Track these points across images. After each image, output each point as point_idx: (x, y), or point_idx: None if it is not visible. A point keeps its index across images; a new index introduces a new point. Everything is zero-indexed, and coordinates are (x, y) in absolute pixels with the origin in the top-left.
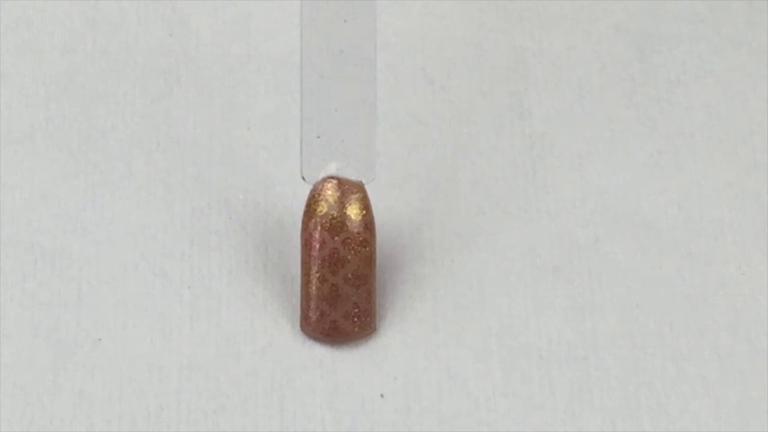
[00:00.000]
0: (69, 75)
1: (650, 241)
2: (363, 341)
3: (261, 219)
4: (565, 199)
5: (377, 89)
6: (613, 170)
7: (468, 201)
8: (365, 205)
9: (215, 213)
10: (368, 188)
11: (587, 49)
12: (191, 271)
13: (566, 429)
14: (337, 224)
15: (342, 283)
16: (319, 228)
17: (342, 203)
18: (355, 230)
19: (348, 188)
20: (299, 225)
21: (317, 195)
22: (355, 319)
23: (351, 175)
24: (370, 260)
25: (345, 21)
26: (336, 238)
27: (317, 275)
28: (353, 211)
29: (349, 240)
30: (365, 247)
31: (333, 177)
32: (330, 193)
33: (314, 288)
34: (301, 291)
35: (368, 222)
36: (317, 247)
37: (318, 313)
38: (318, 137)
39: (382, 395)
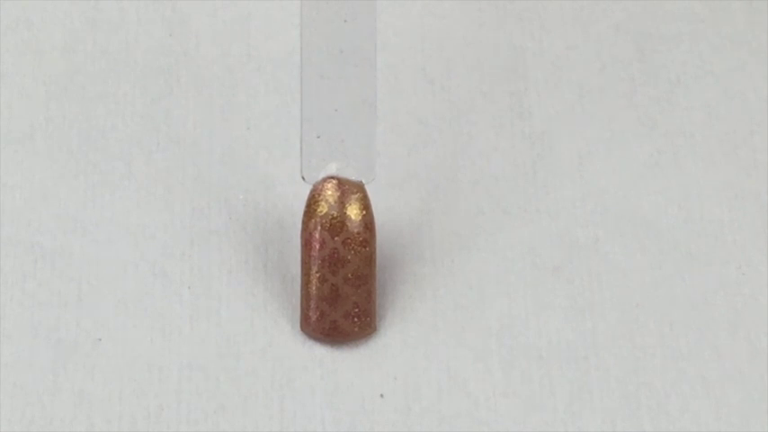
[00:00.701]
0: (69, 75)
1: (650, 241)
2: (363, 341)
3: (261, 219)
4: (565, 199)
5: (377, 89)
6: (613, 170)
7: (468, 201)
8: (365, 205)
9: (215, 213)
10: (368, 188)
11: (587, 49)
12: (191, 271)
13: (566, 429)
14: (337, 224)
15: (342, 283)
16: (319, 228)
17: (342, 203)
18: (355, 230)
19: (348, 188)
20: (299, 225)
21: (316, 195)
22: (355, 319)
23: (351, 175)
24: (370, 260)
25: (345, 21)
26: (336, 238)
27: (317, 275)
28: (353, 211)
29: (349, 240)
30: (365, 247)
31: (333, 177)
32: (330, 193)
33: (314, 288)
34: (301, 291)
35: (368, 222)
36: (317, 247)
37: (318, 313)
38: (318, 137)
39: (382, 395)
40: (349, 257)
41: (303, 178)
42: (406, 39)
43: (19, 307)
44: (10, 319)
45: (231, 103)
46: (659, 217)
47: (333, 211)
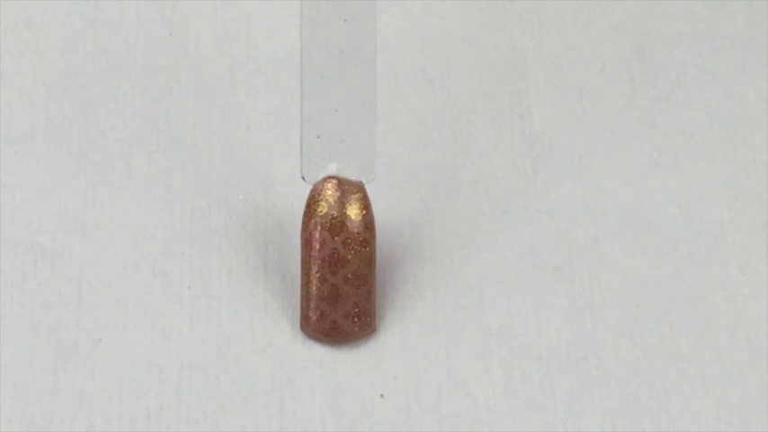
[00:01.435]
0: (69, 75)
1: (650, 241)
2: (363, 341)
3: (261, 219)
4: (565, 199)
5: (377, 89)
6: (613, 170)
7: (468, 201)
8: (365, 205)
9: (215, 213)
10: (368, 188)
11: (587, 49)
12: (191, 271)
13: (566, 429)
14: (337, 224)
15: (342, 283)
16: (319, 228)
17: (342, 203)
18: (355, 230)
19: (348, 188)
20: (299, 225)
21: (317, 195)
22: (355, 319)
23: (351, 175)
24: (370, 260)
25: (345, 21)
26: (336, 238)
27: (317, 275)
28: (353, 211)
29: (349, 240)
30: (365, 247)
31: (333, 177)
32: (330, 193)
33: (314, 288)
34: (301, 291)
35: (368, 222)
36: (317, 247)
37: (318, 313)
38: (318, 137)
39: (382, 395)
40: (349, 257)
41: (303, 178)
42: (406, 39)
43: (19, 307)
44: (10, 319)
45: (231, 103)
46: (659, 217)
47: (333, 211)
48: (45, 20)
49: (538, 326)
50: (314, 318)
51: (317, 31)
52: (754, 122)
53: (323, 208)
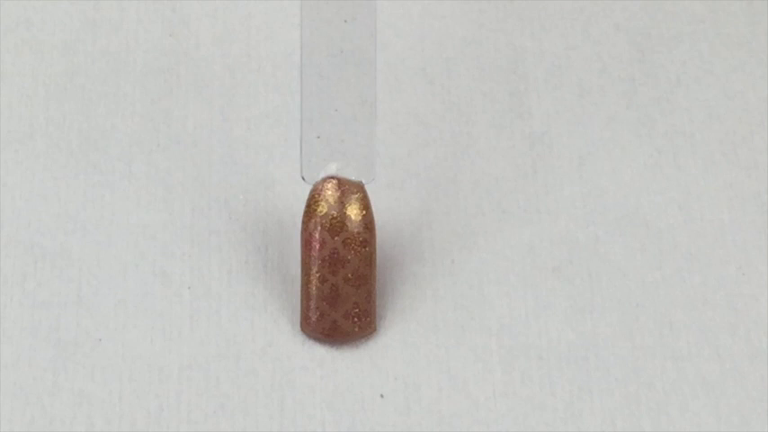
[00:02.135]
0: (69, 75)
1: (650, 241)
2: (363, 341)
3: (261, 219)
4: (565, 199)
5: (377, 89)
6: (613, 170)
7: (468, 201)
8: (365, 205)
9: (215, 213)
10: (368, 188)
11: (587, 49)
12: (191, 271)
13: (566, 429)
14: (337, 224)
15: (342, 283)
16: (319, 228)
17: (342, 203)
18: (355, 230)
19: (348, 188)
20: (299, 225)
21: (317, 195)
22: (355, 319)
23: (351, 175)
24: (370, 260)
25: (345, 21)
26: (336, 238)
27: (317, 275)
28: (353, 211)
29: (349, 240)
30: (365, 247)
31: (333, 177)
32: (330, 193)
33: (314, 288)
34: (301, 291)
35: (368, 222)
36: (317, 247)
37: (318, 313)
38: (318, 137)
39: (382, 395)
40: (349, 257)
41: (303, 178)
42: (406, 39)
43: (19, 307)
44: (10, 319)
45: (231, 103)
46: (659, 217)
47: (333, 211)
48: (45, 20)
49: (538, 326)
50: (314, 318)
51: (317, 31)
52: (754, 122)
53: (323, 208)
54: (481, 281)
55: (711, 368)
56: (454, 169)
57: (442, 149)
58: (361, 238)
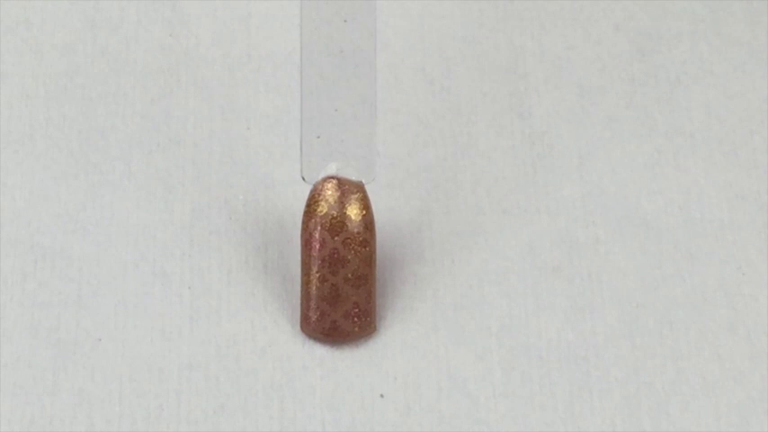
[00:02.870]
0: (69, 75)
1: (650, 241)
2: (363, 341)
3: (261, 219)
4: (565, 199)
5: (377, 89)
6: (613, 170)
7: (468, 201)
8: (365, 205)
9: (215, 213)
10: (368, 188)
11: (587, 49)
12: (191, 271)
13: (566, 429)
14: (337, 224)
15: (342, 283)
16: (319, 228)
17: (342, 203)
18: (355, 230)
19: (348, 188)
20: (299, 225)
21: (317, 195)
22: (355, 319)
23: (351, 175)
24: (370, 260)
25: (345, 21)
26: (336, 238)
27: (317, 275)
28: (353, 211)
29: (349, 240)
30: (365, 247)
31: (333, 177)
32: (330, 193)
33: (314, 288)
34: (301, 291)
35: (368, 222)
36: (317, 247)
37: (318, 313)
38: (318, 137)
39: (382, 395)
40: (349, 257)
41: (303, 178)
42: (406, 39)
43: (19, 307)
44: (10, 319)
45: (231, 103)
46: (659, 217)
47: (333, 211)
48: (45, 20)
49: (538, 326)
50: (314, 318)
51: (317, 31)
52: (754, 122)
53: (323, 208)
54: (481, 281)
55: (711, 368)
56: (454, 169)
57: (442, 149)
58: (361, 238)
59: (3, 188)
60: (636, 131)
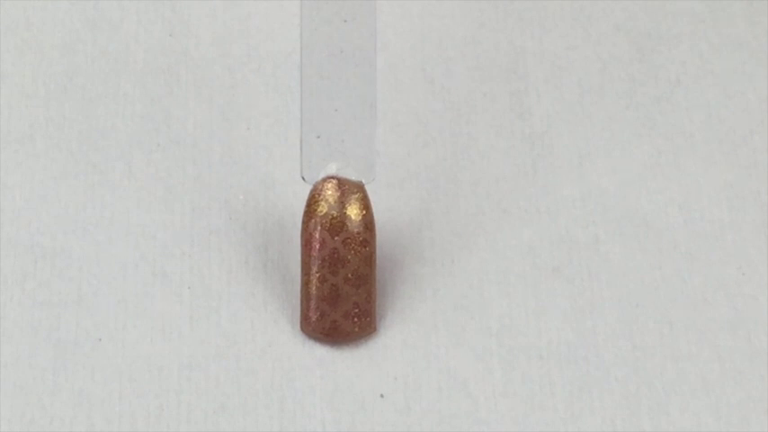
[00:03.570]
0: (69, 75)
1: (650, 241)
2: (363, 341)
3: (261, 219)
4: (565, 199)
5: (377, 89)
6: (613, 170)
7: (468, 201)
8: (365, 205)
9: (215, 213)
10: (368, 188)
11: (587, 49)
12: (191, 271)
13: (566, 429)
14: (337, 224)
15: (342, 283)
16: (319, 228)
17: (342, 203)
18: (355, 230)
19: (348, 188)
20: (299, 225)
21: (317, 195)
22: (355, 319)
23: (351, 175)
24: (370, 260)
25: (345, 21)
26: (336, 238)
27: (317, 275)
28: (353, 211)
29: (349, 240)
30: (365, 247)
31: (333, 177)
32: (330, 193)
33: (314, 288)
34: (301, 291)
35: (368, 222)
36: (317, 247)
37: (318, 313)
38: (318, 137)
39: (382, 395)
40: (349, 257)
41: (303, 178)
42: (406, 39)
43: (19, 307)
44: (10, 319)
45: (231, 103)
46: (659, 217)
47: (333, 211)
48: (45, 20)
49: (538, 326)
50: (314, 318)
51: (317, 31)
52: (754, 122)
53: (323, 208)
54: (481, 281)
55: (711, 368)
56: (454, 169)
57: (442, 149)
58: (361, 238)
59: (3, 188)
60: (636, 131)
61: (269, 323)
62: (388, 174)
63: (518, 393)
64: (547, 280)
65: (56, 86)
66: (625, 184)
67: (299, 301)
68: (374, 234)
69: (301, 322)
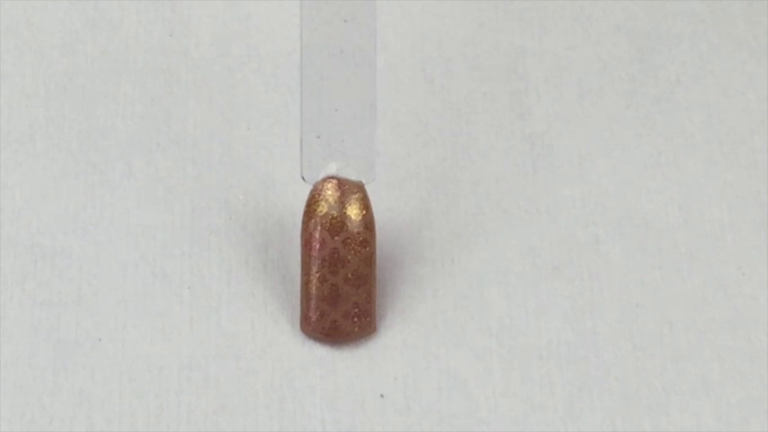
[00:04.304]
0: (69, 75)
1: (650, 241)
2: (363, 341)
3: (261, 219)
4: (565, 199)
5: (377, 89)
6: (613, 170)
7: (468, 201)
8: (365, 205)
9: (215, 213)
10: (368, 188)
11: (587, 49)
12: (191, 271)
13: (566, 429)
14: (337, 224)
15: (342, 283)
16: (319, 228)
17: (342, 203)
18: (355, 230)
19: (348, 188)
20: (299, 225)
21: (317, 195)
22: (355, 319)
23: (351, 175)
24: (370, 260)
25: (345, 21)
26: (336, 238)
27: (317, 275)
28: (353, 211)
29: (349, 240)
30: (365, 247)
31: (333, 177)
32: (330, 193)
33: (314, 288)
34: (301, 291)
35: (368, 222)
36: (317, 247)
37: (318, 313)
38: (318, 137)
39: (382, 395)
40: (349, 257)
41: (303, 178)
42: (406, 39)
43: (19, 307)
44: (10, 319)
45: (231, 103)
46: (659, 217)
47: (333, 211)
48: (45, 20)
49: (538, 326)
50: (314, 318)
51: (317, 31)
52: (754, 122)
53: (323, 208)
54: (481, 281)
55: (711, 368)
56: (454, 169)
57: (442, 149)
58: (361, 238)
59: (3, 188)
60: (636, 131)
61: (269, 323)
62: (388, 174)
63: (518, 393)
64: (547, 280)
65: (56, 86)
66: (625, 184)
67: (299, 301)
68: (374, 234)
69: (301, 322)
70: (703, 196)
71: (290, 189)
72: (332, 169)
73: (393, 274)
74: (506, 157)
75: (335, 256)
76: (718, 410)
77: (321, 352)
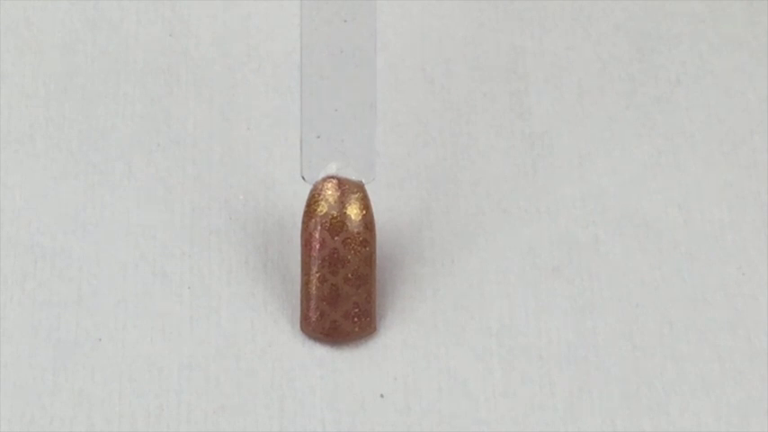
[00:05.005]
0: (69, 75)
1: (650, 241)
2: (363, 341)
3: (261, 219)
4: (565, 199)
5: (377, 89)
6: (613, 170)
7: (468, 201)
8: (365, 205)
9: (215, 213)
10: (368, 188)
11: (587, 49)
12: (191, 271)
13: (566, 429)
14: (337, 224)
15: (342, 283)
16: (319, 228)
17: (342, 203)
18: (355, 230)
19: (348, 188)
20: (299, 225)
21: (317, 195)
22: (355, 319)
23: (351, 175)
24: (370, 260)
25: (345, 21)
26: (336, 238)
27: (317, 275)
28: (353, 211)
29: (349, 240)
30: (365, 247)
31: (333, 177)
32: (330, 192)
33: (314, 288)
34: (301, 291)
35: (368, 222)
36: (317, 247)
37: (318, 313)
38: (318, 137)
39: (382, 395)
40: (349, 257)
41: (303, 178)
42: (406, 39)
43: (19, 307)
44: (10, 319)
45: (231, 103)
46: (659, 217)
47: (333, 211)
48: (45, 20)
49: (538, 326)
50: (314, 318)
51: (317, 31)
52: (754, 122)
53: (323, 208)
54: (481, 281)
55: (711, 368)
56: (454, 169)
57: (442, 149)
58: (361, 238)
59: (3, 188)
60: (636, 131)
61: (269, 323)
62: (388, 174)
63: (518, 393)
64: (547, 280)
65: (56, 86)
66: (625, 184)
67: (299, 301)
68: (374, 234)
69: (301, 322)
70: (703, 196)
71: (290, 189)
72: (332, 169)
73: (393, 274)
74: (506, 157)
75: (335, 256)
76: (718, 410)
77: (321, 352)
